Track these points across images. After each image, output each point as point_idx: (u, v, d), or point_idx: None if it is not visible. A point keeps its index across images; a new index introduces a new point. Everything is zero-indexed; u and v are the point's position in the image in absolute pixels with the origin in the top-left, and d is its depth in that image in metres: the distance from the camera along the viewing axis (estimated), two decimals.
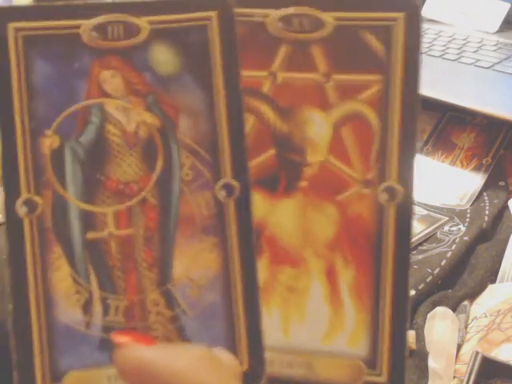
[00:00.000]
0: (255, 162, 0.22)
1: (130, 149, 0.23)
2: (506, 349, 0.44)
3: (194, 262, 0.22)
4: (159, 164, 0.22)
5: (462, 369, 0.44)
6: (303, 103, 0.22)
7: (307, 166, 0.22)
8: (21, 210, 0.22)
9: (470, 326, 0.49)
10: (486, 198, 0.65)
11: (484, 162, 0.67)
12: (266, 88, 0.22)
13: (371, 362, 0.21)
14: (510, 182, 0.67)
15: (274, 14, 0.22)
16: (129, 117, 0.23)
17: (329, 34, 0.22)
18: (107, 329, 0.23)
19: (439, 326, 0.48)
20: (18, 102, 0.22)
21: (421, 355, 0.46)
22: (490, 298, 0.51)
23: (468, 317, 0.50)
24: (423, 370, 0.45)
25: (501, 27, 0.87)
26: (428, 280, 0.54)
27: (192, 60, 0.22)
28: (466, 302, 0.51)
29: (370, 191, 0.22)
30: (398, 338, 0.22)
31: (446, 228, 0.61)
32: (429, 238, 0.59)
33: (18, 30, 0.22)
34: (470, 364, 0.41)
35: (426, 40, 0.86)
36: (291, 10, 0.22)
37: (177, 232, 0.23)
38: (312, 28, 0.22)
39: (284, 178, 0.22)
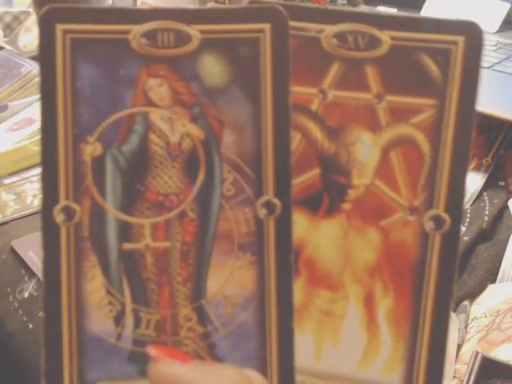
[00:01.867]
0: (299, 181, 0.22)
1: (172, 160, 0.22)
2: (506, 349, 0.44)
3: (230, 280, 0.22)
4: (201, 177, 0.22)
5: (462, 369, 0.44)
6: (352, 123, 0.21)
7: (352, 189, 0.21)
8: (58, 217, 0.21)
9: (470, 326, 0.49)
10: (485, 197, 0.65)
11: (484, 162, 0.67)
12: (315, 106, 0.22)
13: None
14: (510, 182, 0.67)
15: (329, 29, 0.21)
16: (173, 127, 0.22)
17: (384, 54, 0.21)
18: (138, 342, 0.22)
19: None
20: (62, 106, 0.21)
21: None
22: (490, 298, 0.51)
23: (468, 317, 0.50)
24: None
25: (501, 27, 0.87)
26: None
27: (241, 73, 0.21)
28: (466, 302, 0.51)
29: (415, 218, 0.21)
30: (435, 371, 0.21)
31: None
32: None
33: (66, 31, 0.21)
34: (470, 364, 0.41)
35: None
36: (347, 27, 0.21)
37: (214, 248, 0.22)
38: (367, 46, 0.21)
39: (327, 198, 0.22)
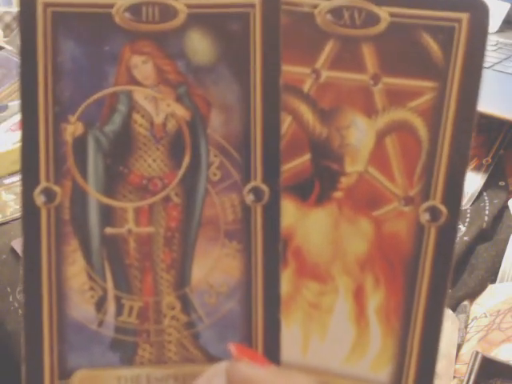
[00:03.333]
0: (288, 167, 0.21)
1: (156, 142, 0.21)
2: (506, 349, 0.44)
3: (215, 268, 0.21)
4: (186, 161, 0.21)
5: (462, 369, 0.44)
6: (346, 106, 0.20)
7: (344, 176, 0.20)
8: (38, 198, 0.21)
9: (470, 326, 0.49)
10: (485, 197, 0.65)
11: (484, 162, 0.67)
12: (307, 86, 0.20)
13: None
14: (510, 182, 0.67)
15: (324, 4, 0.20)
16: (158, 107, 0.21)
17: (382, 32, 0.20)
18: (120, 329, 0.22)
19: None
20: (42, 84, 0.21)
21: None
22: (490, 298, 0.51)
23: (468, 317, 0.50)
24: None
25: (501, 27, 0.87)
26: None
27: (230, 50, 0.20)
28: (465, 302, 0.51)
29: (410, 209, 0.20)
30: (426, 369, 0.20)
31: None
32: None
33: (47, 5, 0.20)
34: (470, 364, 0.41)
35: None
36: (343, 2, 0.19)
37: (199, 234, 0.22)
38: (364, 23, 0.20)
39: (318, 186, 0.20)
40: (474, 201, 0.64)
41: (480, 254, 0.57)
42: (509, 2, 0.87)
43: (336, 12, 0.20)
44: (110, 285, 0.22)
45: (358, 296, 0.20)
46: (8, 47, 1.05)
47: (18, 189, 0.69)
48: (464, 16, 0.19)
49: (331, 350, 0.20)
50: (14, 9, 1.21)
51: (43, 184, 0.21)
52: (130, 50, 0.21)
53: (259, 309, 0.21)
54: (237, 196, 0.21)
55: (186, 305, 0.22)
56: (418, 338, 0.20)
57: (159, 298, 0.22)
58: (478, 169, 0.67)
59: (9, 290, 0.54)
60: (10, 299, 0.53)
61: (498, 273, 0.54)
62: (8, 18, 1.17)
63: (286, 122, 0.21)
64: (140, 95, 0.21)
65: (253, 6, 0.19)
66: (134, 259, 0.22)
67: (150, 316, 0.22)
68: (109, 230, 0.22)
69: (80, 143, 0.21)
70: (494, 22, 0.88)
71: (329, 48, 0.20)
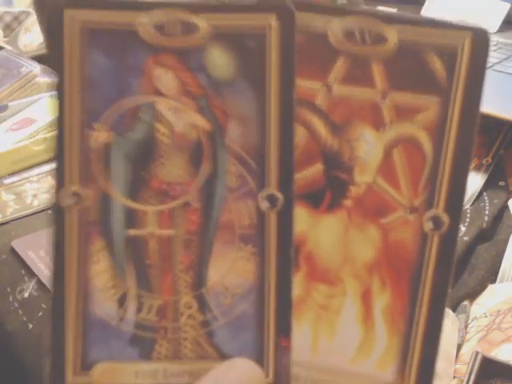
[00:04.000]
0: (301, 176, 0.22)
1: (177, 150, 0.22)
2: (506, 349, 0.44)
3: (231, 270, 0.22)
4: (205, 168, 0.22)
5: (462, 369, 0.44)
6: (356, 119, 0.21)
7: (354, 186, 0.21)
8: (64, 200, 0.22)
9: (470, 325, 0.49)
10: (485, 197, 0.65)
11: (484, 162, 0.67)
12: (319, 100, 0.22)
13: None
14: (510, 182, 0.67)
15: (336, 24, 0.21)
16: (179, 118, 0.22)
17: (391, 50, 0.21)
18: (139, 326, 0.23)
19: None
20: (68, 92, 0.22)
21: None
22: (490, 298, 0.51)
23: (468, 317, 0.50)
24: None
25: (501, 27, 0.87)
26: None
27: (248, 66, 0.21)
28: (465, 302, 0.51)
29: (415, 218, 0.21)
30: (427, 367, 0.21)
31: None
32: None
33: (74, 17, 0.21)
34: (470, 364, 0.41)
35: None
36: (354, 21, 0.21)
37: (216, 238, 0.22)
38: (374, 42, 0.21)
39: (329, 194, 0.22)
40: (474, 201, 0.64)
41: (480, 254, 0.57)
42: (509, 1, 0.87)
43: (348, 32, 0.21)
44: (131, 283, 0.23)
45: (365, 298, 0.21)
46: (8, 47, 1.05)
47: (18, 189, 0.70)
48: (467, 38, 0.20)
49: (339, 350, 0.21)
50: (14, 9, 1.21)
51: (69, 186, 0.22)
52: (153, 63, 0.22)
53: (271, 310, 0.21)
54: (253, 202, 0.22)
55: (203, 304, 0.23)
56: (421, 337, 0.21)
57: (177, 298, 0.23)
58: (477, 169, 0.67)
59: (9, 290, 0.54)
60: (10, 299, 0.53)
61: (498, 273, 0.54)
62: (8, 18, 1.17)
63: (300, 134, 0.22)
64: (163, 106, 0.22)
65: (270, 25, 0.21)
66: (155, 260, 0.23)
67: (168, 314, 0.23)
68: (132, 232, 0.23)
69: (104, 149, 0.22)
70: (494, 21, 0.88)
71: (340, 64, 0.21)
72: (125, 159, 0.23)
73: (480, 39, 0.21)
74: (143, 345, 0.22)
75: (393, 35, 0.21)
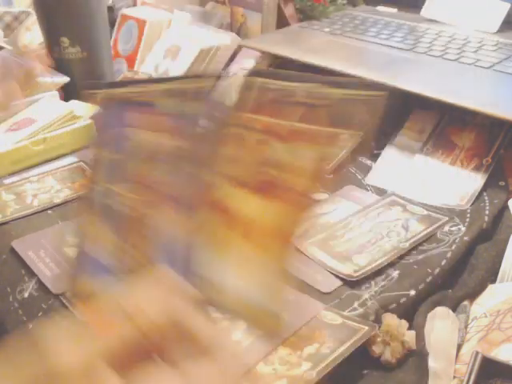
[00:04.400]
0: None
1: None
2: (506, 349, 0.44)
3: None
4: None
5: (462, 369, 0.45)
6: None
7: None
8: None
9: (470, 326, 0.49)
10: (486, 197, 0.65)
11: (484, 162, 0.67)
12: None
13: None
14: (510, 182, 0.67)
15: None
16: None
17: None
18: None
19: (439, 326, 0.48)
20: None
21: (421, 355, 0.46)
22: (490, 298, 0.51)
23: (468, 317, 0.50)
24: (423, 370, 0.45)
25: (501, 27, 0.87)
26: (428, 280, 0.54)
27: None
28: (466, 302, 0.51)
29: None
30: None
31: (446, 228, 0.61)
32: (429, 238, 0.59)
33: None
34: (470, 364, 0.41)
35: (425, 40, 0.86)
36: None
37: None
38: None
39: None
40: (474, 201, 0.64)
41: (480, 253, 0.58)
42: (509, 1, 0.87)
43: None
44: None
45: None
46: (8, 47, 1.05)
47: (18, 189, 0.70)
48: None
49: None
50: (14, 9, 1.21)
51: None
52: None
53: None
54: None
55: None
56: None
57: None
58: (477, 169, 0.67)
59: (9, 290, 0.54)
60: (10, 299, 0.53)
61: (498, 273, 0.54)
62: (8, 18, 1.17)
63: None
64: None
65: None
66: None
67: None
68: None
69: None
70: (494, 22, 0.87)
71: None
72: None
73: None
74: None
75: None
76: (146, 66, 0.98)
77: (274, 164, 0.29)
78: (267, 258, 0.26)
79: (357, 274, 0.54)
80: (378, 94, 0.29)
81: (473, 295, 0.52)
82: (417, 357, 0.46)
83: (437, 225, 0.61)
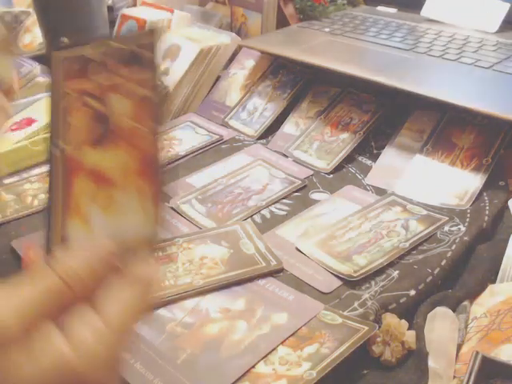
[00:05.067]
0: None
1: None
2: (506, 349, 0.44)
3: None
4: None
5: (462, 369, 0.45)
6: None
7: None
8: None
9: (469, 326, 0.49)
10: (485, 198, 0.65)
11: (484, 161, 0.67)
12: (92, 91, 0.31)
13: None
14: (510, 182, 0.67)
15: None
16: None
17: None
18: None
19: (439, 326, 0.48)
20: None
21: (421, 355, 0.46)
22: (490, 298, 0.51)
23: (468, 317, 0.50)
24: (423, 370, 0.45)
25: (501, 27, 0.87)
26: (428, 280, 0.54)
27: None
28: (466, 302, 0.51)
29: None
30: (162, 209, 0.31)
31: (446, 228, 0.61)
32: (429, 238, 0.59)
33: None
34: (470, 364, 0.41)
35: (425, 40, 0.86)
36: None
37: None
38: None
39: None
40: (474, 201, 0.64)
41: (480, 253, 0.58)
42: (509, 1, 0.87)
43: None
44: None
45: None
46: None
47: (18, 189, 0.70)
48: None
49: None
50: (14, 9, 1.22)
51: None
52: None
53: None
54: None
55: None
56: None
57: None
58: (477, 169, 0.67)
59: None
60: None
61: (498, 273, 0.54)
62: (8, 18, 1.17)
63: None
64: None
65: None
66: None
67: None
68: None
69: None
70: (494, 22, 0.88)
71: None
72: None
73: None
74: None
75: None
76: None
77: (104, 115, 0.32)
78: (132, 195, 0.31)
79: (357, 274, 0.54)
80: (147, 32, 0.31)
81: (473, 295, 0.52)
82: (417, 357, 0.46)
83: (437, 225, 0.61)
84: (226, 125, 0.87)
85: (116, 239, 0.30)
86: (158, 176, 0.31)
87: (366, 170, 0.73)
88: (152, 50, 0.31)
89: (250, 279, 0.54)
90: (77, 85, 0.32)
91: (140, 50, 0.31)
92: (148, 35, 0.31)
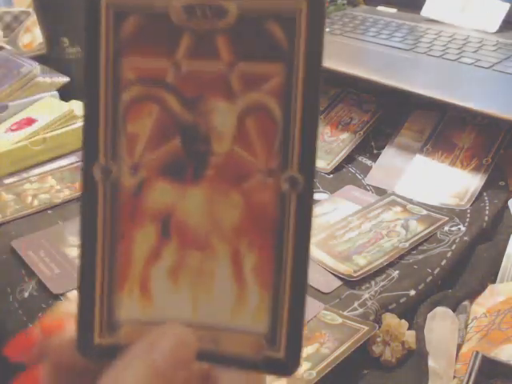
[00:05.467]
0: (161, 152, 0.23)
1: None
2: (506, 349, 0.44)
3: None
4: None
5: (462, 369, 0.45)
6: (208, 93, 0.22)
7: (213, 156, 0.23)
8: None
9: (470, 325, 0.49)
10: (485, 198, 0.65)
11: (484, 161, 0.67)
12: (170, 78, 0.22)
13: (271, 339, 0.23)
14: (510, 182, 0.67)
15: (175, 3, 0.22)
16: None
17: (232, 23, 0.22)
18: None
19: (439, 326, 0.48)
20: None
21: (421, 355, 0.46)
22: (490, 298, 0.51)
23: (468, 317, 0.50)
24: (423, 370, 0.45)
25: (501, 27, 0.87)
26: (428, 280, 0.54)
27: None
28: (466, 302, 0.51)
29: (272, 180, 0.23)
30: (296, 318, 0.23)
31: (446, 228, 0.61)
32: (429, 238, 0.59)
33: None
34: (470, 364, 0.41)
35: (425, 40, 0.86)
36: (193, 0, 0.22)
37: None
38: (215, 17, 0.22)
39: (191, 166, 0.23)
40: (474, 201, 0.64)
41: (480, 254, 0.58)
42: (509, 1, 0.87)
43: (188, 9, 0.22)
44: None
45: (235, 259, 0.23)
46: (8, 47, 1.05)
47: (18, 189, 0.70)
48: (303, 5, 0.22)
49: (217, 308, 0.23)
50: (14, 9, 1.22)
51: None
52: None
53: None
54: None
55: None
56: (288, 289, 0.23)
57: None
58: (477, 169, 0.67)
59: (9, 290, 0.54)
60: (10, 299, 0.53)
61: (498, 273, 0.54)
62: (8, 18, 1.17)
63: (155, 112, 0.23)
64: None
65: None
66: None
67: None
68: None
69: None
70: (494, 22, 0.88)
71: (185, 42, 0.22)
72: None
73: (315, 6, 0.22)
74: None
75: (233, 8, 0.22)
76: None
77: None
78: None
79: (357, 274, 0.54)
80: (300, 7, 0.21)
81: (473, 295, 0.52)
82: (417, 357, 0.46)
83: (437, 225, 0.61)
84: None
85: (199, 329, 0.22)
86: (271, 241, 0.22)
87: (365, 169, 0.73)
88: (294, 26, 0.22)
89: None
90: (144, 66, 0.23)
91: (272, 20, 0.22)
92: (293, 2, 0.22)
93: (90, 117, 0.22)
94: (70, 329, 0.23)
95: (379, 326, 0.47)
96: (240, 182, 0.23)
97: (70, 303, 0.23)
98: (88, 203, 0.22)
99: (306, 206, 0.22)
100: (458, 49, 0.81)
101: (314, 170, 0.22)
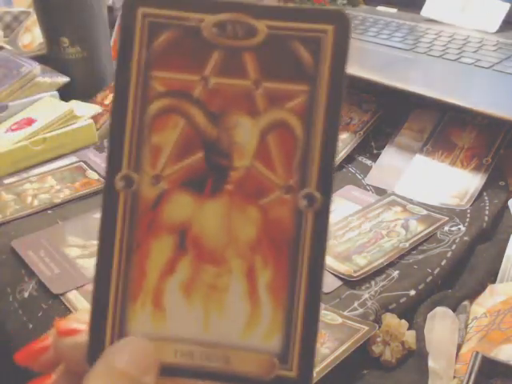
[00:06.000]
0: (183, 164, 0.23)
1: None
2: (506, 349, 0.44)
3: None
4: None
5: (462, 369, 0.45)
6: (233, 109, 0.23)
7: (233, 170, 0.23)
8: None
9: (469, 326, 0.49)
10: (485, 198, 0.65)
11: (484, 161, 0.67)
12: (197, 92, 0.23)
13: (283, 358, 0.23)
14: (510, 182, 0.67)
15: (209, 19, 0.23)
16: None
17: (261, 42, 0.23)
18: None
19: (439, 326, 0.48)
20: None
21: (421, 355, 0.46)
22: (490, 298, 0.51)
23: (468, 317, 0.50)
24: (423, 370, 0.45)
25: (501, 27, 0.87)
26: (428, 280, 0.54)
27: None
28: (466, 302, 0.51)
29: (290, 197, 0.23)
30: (309, 337, 0.23)
31: (446, 228, 0.61)
32: (429, 238, 0.59)
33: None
34: (470, 364, 0.41)
35: (425, 40, 0.86)
36: (225, 16, 0.23)
37: None
38: (245, 35, 0.23)
39: (211, 180, 0.23)
40: (474, 201, 0.64)
41: (480, 254, 0.57)
42: (509, 1, 0.87)
43: (220, 26, 0.23)
44: None
45: (250, 275, 0.23)
46: (8, 47, 1.05)
47: (18, 189, 0.70)
48: (330, 28, 0.22)
49: (229, 325, 0.23)
50: (14, 9, 1.22)
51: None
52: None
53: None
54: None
55: None
56: (302, 308, 0.23)
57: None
58: (477, 169, 0.67)
59: (9, 290, 0.54)
60: (10, 299, 0.53)
61: (498, 273, 0.54)
62: (8, 18, 1.17)
63: (180, 125, 0.23)
64: None
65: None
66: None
67: None
68: None
69: None
70: (494, 22, 0.88)
71: (215, 57, 0.23)
72: None
73: (341, 29, 0.22)
74: None
75: (262, 27, 0.23)
76: None
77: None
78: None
79: (357, 274, 0.54)
80: (326, 28, 0.22)
81: (473, 295, 0.52)
82: (417, 357, 0.46)
83: (437, 225, 0.61)
84: None
85: (210, 346, 0.22)
86: (287, 258, 0.22)
87: (365, 170, 0.73)
88: (320, 48, 0.22)
89: None
90: (173, 78, 0.23)
91: (299, 41, 0.22)
92: (322, 19, 0.22)
93: (118, 126, 0.22)
94: (84, 335, 0.23)
95: (379, 326, 0.47)
96: (258, 197, 0.23)
97: (85, 313, 0.23)
98: (108, 212, 0.22)
99: (322, 224, 0.23)
100: (458, 49, 0.81)
101: (331, 189, 0.23)
